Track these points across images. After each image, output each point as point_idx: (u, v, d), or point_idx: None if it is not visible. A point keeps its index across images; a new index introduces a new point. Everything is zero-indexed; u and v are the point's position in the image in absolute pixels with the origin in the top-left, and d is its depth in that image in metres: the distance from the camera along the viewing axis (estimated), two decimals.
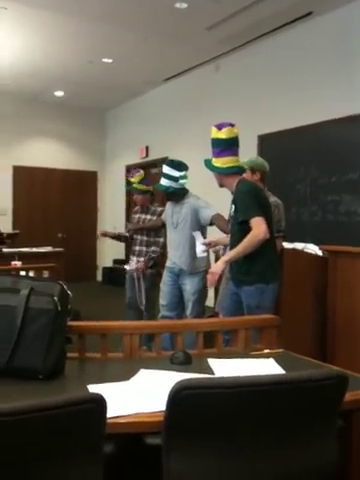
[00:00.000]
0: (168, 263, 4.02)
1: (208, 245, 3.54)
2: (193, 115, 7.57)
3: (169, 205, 4.06)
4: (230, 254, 2.91)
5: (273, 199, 3.54)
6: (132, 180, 4.72)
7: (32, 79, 7.96)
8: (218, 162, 2.96)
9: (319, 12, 5.44)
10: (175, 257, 3.92)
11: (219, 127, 2.91)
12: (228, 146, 2.91)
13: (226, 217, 3.75)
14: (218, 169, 2.98)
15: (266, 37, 6.14)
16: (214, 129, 2.94)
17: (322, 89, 5.51)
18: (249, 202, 2.85)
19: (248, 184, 3.00)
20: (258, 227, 2.79)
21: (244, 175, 3.18)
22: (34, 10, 5.50)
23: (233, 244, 2.98)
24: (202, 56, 6.93)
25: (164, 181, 3.84)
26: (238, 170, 3.00)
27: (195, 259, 3.78)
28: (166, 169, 3.84)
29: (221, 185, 3.12)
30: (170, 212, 4.00)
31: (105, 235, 5.16)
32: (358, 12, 5.15)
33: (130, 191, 4.81)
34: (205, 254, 3.71)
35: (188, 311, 3.88)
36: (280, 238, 3.52)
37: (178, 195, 3.89)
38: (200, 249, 3.56)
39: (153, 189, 4.71)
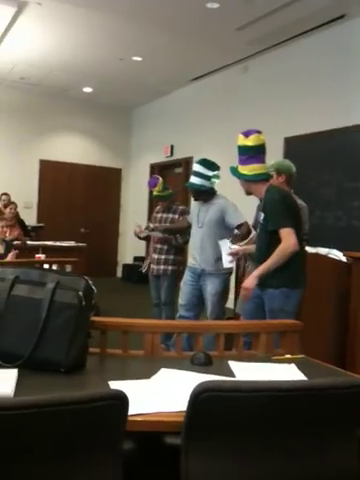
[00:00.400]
0: (190, 263, 4.02)
1: (235, 255, 3.47)
2: (219, 116, 7.55)
3: (196, 205, 4.05)
4: (261, 269, 2.87)
5: (299, 202, 3.52)
6: (156, 191, 4.80)
7: (62, 74, 8.05)
8: (245, 169, 2.94)
9: (352, 14, 5.38)
10: (198, 257, 3.91)
11: (246, 134, 2.90)
12: (255, 153, 2.90)
13: (250, 222, 3.75)
14: (245, 176, 2.96)
15: (296, 39, 6.09)
16: (241, 136, 2.92)
17: (351, 93, 5.45)
18: (280, 211, 2.84)
19: (278, 191, 2.96)
20: (287, 239, 2.79)
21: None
22: (68, 6, 5.56)
23: (259, 251, 2.98)
24: (230, 57, 6.91)
25: (196, 179, 3.83)
26: (265, 177, 2.98)
27: (218, 260, 3.77)
28: (199, 168, 3.84)
29: (248, 192, 3.10)
30: (196, 211, 3.99)
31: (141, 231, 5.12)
32: None
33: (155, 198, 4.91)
34: (232, 264, 3.68)
35: (208, 312, 3.87)
36: (303, 242, 3.49)
37: (208, 194, 3.89)
38: (227, 259, 3.49)
39: (182, 188, 4.80)
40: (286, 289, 2.86)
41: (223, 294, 3.90)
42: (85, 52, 7.00)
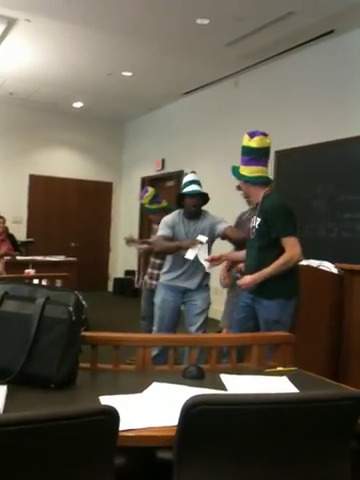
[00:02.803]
0: (172, 281, 3.81)
1: (218, 260, 3.38)
2: (210, 130, 7.60)
3: (175, 219, 3.79)
4: (262, 273, 2.81)
5: None
6: (143, 202, 4.78)
7: (51, 89, 8.08)
8: (245, 170, 2.89)
9: (341, 30, 5.46)
10: (185, 276, 3.77)
11: (251, 135, 2.86)
12: (258, 155, 2.85)
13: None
14: (244, 177, 2.91)
15: (286, 54, 6.16)
16: (246, 137, 2.87)
17: (340, 106, 5.51)
18: (286, 219, 2.82)
19: (282, 200, 2.93)
20: (293, 248, 2.76)
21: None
22: (56, 22, 5.59)
23: (251, 257, 2.94)
24: (221, 72, 6.98)
25: (198, 187, 3.71)
26: (265, 180, 2.91)
27: (205, 274, 3.76)
28: (195, 176, 3.77)
29: (246, 195, 3.09)
30: (183, 229, 3.76)
31: (132, 241, 5.14)
32: None
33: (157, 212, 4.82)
34: (212, 269, 3.58)
35: (194, 327, 3.74)
36: None
37: (204, 204, 3.79)
38: (205, 265, 3.45)
39: (167, 205, 4.71)
40: (282, 300, 2.82)
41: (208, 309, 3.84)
42: (74, 67, 7.04)
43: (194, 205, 3.70)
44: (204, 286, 3.82)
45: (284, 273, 2.81)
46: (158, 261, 4.50)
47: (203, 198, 3.73)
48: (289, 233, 2.78)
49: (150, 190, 4.76)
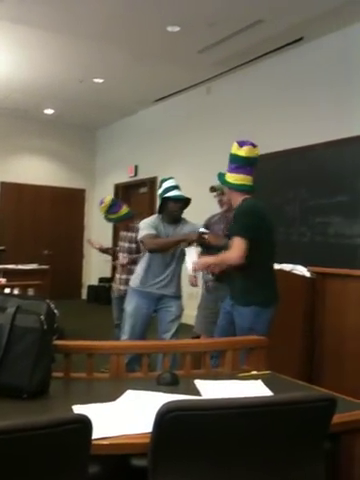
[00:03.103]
0: (149, 288, 3.71)
1: (205, 266, 3.28)
2: (183, 136, 7.64)
3: (161, 226, 3.69)
4: (205, 260, 3.07)
5: None
6: (101, 212, 4.75)
7: (22, 96, 7.99)
8: (231, 178, 2.95)
9: (310, 38, 5.56)
10: (165, 281, 3.69)
11: (241, 144, 2.91)
12: (244, 164, 2.91)
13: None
14: (228, 184, 2.97)
15: (257, 61, 6.24)
16: (235, 145, 2.92)
17: (312, 113, 5.60)
18: (242, 221, 2.85)
19: (250, 204, 2.95)
20: (234, 251, 2.78)
21: (226, 196, 3.28)
22: (26, 28, 5.55)
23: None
24: (194, 78, 7.02)
25: (180, 192, 3.69)
26: (248, 188, 2.95)
27: (179, 282, 3.75)
28: (175, 182, 3.73)
29: (228, 200, 3.17)
30: (163, 233, 3.68)
31: (92, 244, 5.18)
32: (348, 38, 5.28)
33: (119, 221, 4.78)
34: (195, 273, 3.45)
35: (169, 334, 3.67)
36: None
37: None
38: (191, 267, 3.27)
39: (128, 211, 4.67)
40: (257, 307, 2.82)
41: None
42: (45, 74, 6.99)
43: (177, 210, 3.68)
44: (179, 294, 3.79)
45: (258, 280, 2.86)
46: (127, 266, 4.50)
47: (185, 204, 3.73)
48: (238, 234, 2.80)
49: (106, 200, 4.65)
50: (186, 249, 3.42)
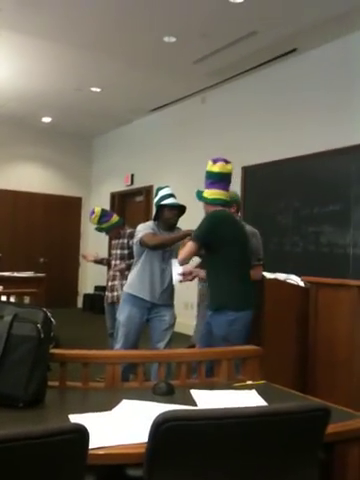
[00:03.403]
0: (139, 294, 3.66)
1: (189, 274, 3.36)
2: (178, 145, 7.68)
3: (157, 232, 3.69)
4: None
5: (248, 228, 3.57)
6: (92, 223, 4.85)
7: (19, 104, 8.02)
8: (207, 193, 3.09)
9: (303, 49, 5.63)
10: (158, 288, 3.66)
11: (214, 161, 3.06)
12: (218, 180, 3.05)
13: None
14: (203, 199, 3.11)
15: (252, 72, 6.30)
16: (210, 162, 3.08)
17: (305, 123, 5.65)
18: (199, 227, 3.02)
19: (215, 213, 3.06)
20: (184, 251, 3.00)
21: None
22: (25, 37, 5.59)
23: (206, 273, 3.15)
24: (189, 88, 7.08)
25: (176, 200, 3.73)
26: (221, 203, 3.08)
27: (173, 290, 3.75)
28: (171, 190, 3.76)
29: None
30: None
31: (86, 259, 5.25)
32: (341, 49, 5.35)
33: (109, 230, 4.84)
34: (179, 284, 3.49)
35: (162, 343, 3.65)
36: (260, 266, 3.53)
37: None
38: (177, 278, 3.35)
39: (118, 219, 4.76)
40: (230, 312, 2.88)
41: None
42: (42, 82, 7.02)
43: (173, 217, 3.70)
44: (171, 302, 3.79)
45: (226, 287, 2.96)
46: (117, 273, 4.52)
47: (181, 211, 3.76)
48: (194, 236, 3.00)
49: (96, 210, 4.73)
50: (172, 261, 3.47)
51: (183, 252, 3.01)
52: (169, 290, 3.73)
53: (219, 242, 2.96)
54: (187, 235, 3.40)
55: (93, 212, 4.73)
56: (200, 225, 3.02)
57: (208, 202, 3.09)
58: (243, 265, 3.03)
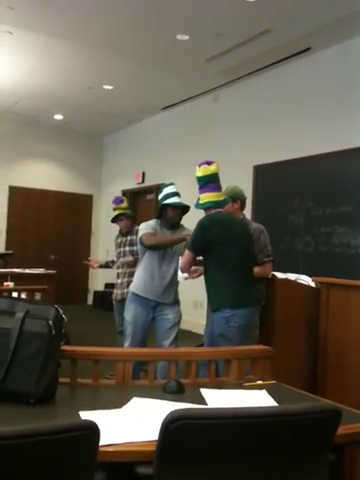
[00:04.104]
0: (144, 294, 3.68)
1: (195, 272, 3.36)
2: (190, 144, 7.67)
3: (160, 231, 3.70)
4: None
5: (255, 225, 3.55)
6: (122, 206, 4.88)
7: (32, 102, 8.06)
8: (200, 199, 3.14)
9: (317, 48, 5.59)
10: (162, 287, 3.67)
11: (199, 165, 3.10)
12: (204, 183, 3.09)
13: None
14: (197, 205, 3.17)
15: (264, 71, 6.27)
16: (197, 168, 3.13)
17: (318, 123, 5.62)
18: (193, 234, 3.08)
19: (205, 219, 3.09)
20: (182, 261, 3.12)
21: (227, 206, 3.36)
22: (38, 35, 5.61)
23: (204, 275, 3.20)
24: (201, 87, 7.06)
25: (181, 199, 3.72)
26: (212, 205, 3.10)
27: (176, 288, 3.75)
28: (175, 188, 3.74)
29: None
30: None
31: (91, 266, 5.41)
32: (355, 48, 5.30)
33: (117, 218, 4.85)
34: (185, 281, 3.48)
35: (167, 342, 3.65)
36: (269, 262, 3.52)
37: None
38: (182, 276, 3.36)
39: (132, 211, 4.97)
40: (228, 310, 2.92)
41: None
42: (55, 80, 7.05)
43: (176, 216, 3.71)
44: (176, 300, 3.77)
45: (221, 287, 2.99)
46: (125, 270, 4.53)
47: (184, 210, 3.76)
48: (188, 246, 3.11)
49: (123, 198, 4.92)
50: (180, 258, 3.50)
51: (181, 262, 3.13)
52: (172, 288, 3.71)
53: (211, 245, 3.00)
54: (183, 239, 3.49)
55: (121, 199, 4.95)
56: (192, 233, 3.11)
57: (201, 207, 3.14)
58: (239, 264, 3.03)
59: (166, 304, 3.70)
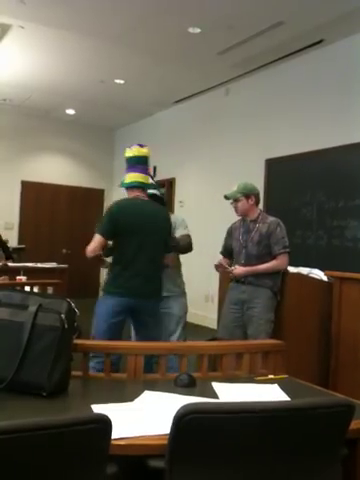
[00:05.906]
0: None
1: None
2: (202, 138, 7.64)
3: None
4: None
5: (272, 219, 3.52)
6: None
7: (44, 96, 8.08)
8: (127, 177, 3.17)
9: (330, 40, 5.53)
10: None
11: (130, 146, 3.15)
12: (134, 163, 3.14)
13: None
14: (122, 184, 3.20)
15: (276, 63, 6.22)
16: (126, 149, 3.17)
17: (331, 115, 5.56)
18: (102, 219, 3.13)
19: (115, 203, 3.17)
20: (90, 244, 3.09)
21: (239, 203, 3.46)
22: (50, 29, 5.61)
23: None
24: (213, 80, 7.02)
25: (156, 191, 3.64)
26: (138, 184, 3.13)
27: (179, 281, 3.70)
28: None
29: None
30: None
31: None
32: None
33: None
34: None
35: (175, 336, 3.61)
36: (285, 254, 3.47)
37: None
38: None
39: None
40: (107, 295, 3.10)
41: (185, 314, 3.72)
42: (67, 74, 7.06)
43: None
44: (180, 292, 3.69)
45: (118, 271, 3.12)
46: None
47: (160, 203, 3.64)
48: (97, 230, 3.10)
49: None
50: None
51: (88, 248, 3.10)
52: (170, 279, 3.52)
53: (117, 231, 3.03)
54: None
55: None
56: (102, 219, 3.14)
57: (126, 186, 3.16)
58: (143, 252, 3.02)
59: (168, 297, 3.56)
